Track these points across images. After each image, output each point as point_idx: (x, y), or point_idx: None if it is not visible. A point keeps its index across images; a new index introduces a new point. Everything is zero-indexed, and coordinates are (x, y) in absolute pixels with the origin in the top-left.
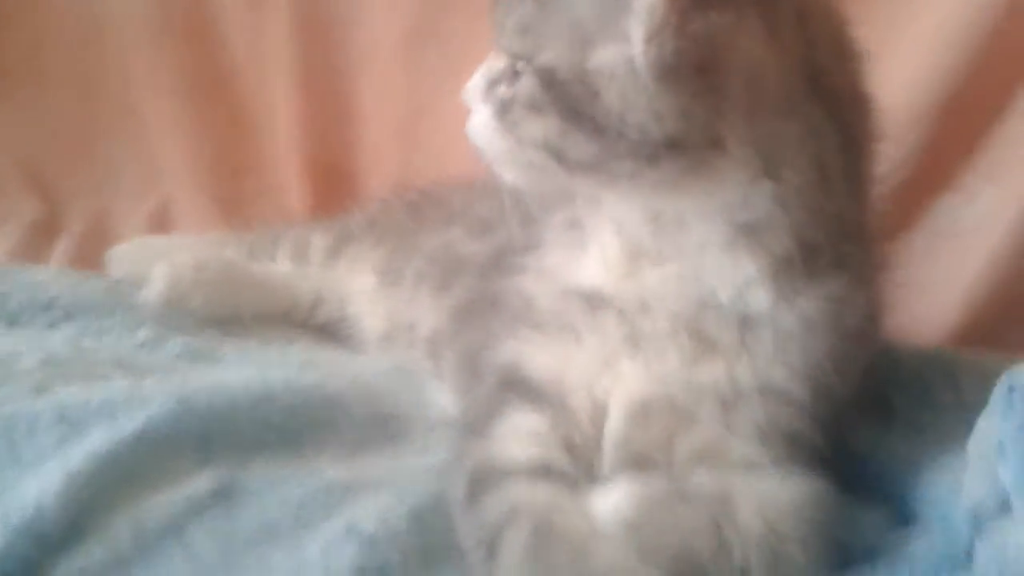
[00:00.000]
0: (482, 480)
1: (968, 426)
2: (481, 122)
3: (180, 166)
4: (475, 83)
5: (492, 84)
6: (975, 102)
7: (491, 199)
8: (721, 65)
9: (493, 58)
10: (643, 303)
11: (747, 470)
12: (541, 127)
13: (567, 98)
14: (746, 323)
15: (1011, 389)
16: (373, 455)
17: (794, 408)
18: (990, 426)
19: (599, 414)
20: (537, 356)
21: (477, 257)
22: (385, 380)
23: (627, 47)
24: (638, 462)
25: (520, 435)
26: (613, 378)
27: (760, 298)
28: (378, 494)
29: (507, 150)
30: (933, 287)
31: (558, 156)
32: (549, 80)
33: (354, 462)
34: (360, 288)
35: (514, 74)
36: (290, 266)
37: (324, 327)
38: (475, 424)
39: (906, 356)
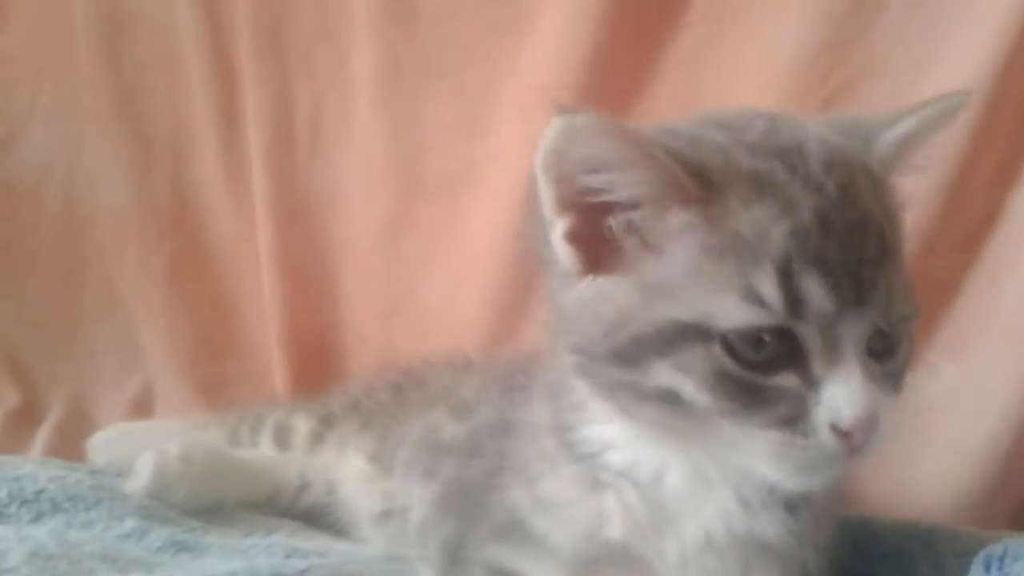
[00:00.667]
0: None
1: None
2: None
3: (161, 350)
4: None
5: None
6: (930, 281)
7: (471, 378)
8: None
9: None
10: (682, 562)
11: None
12: (677, 383)
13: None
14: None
15: (988, 567)
16: None
17: None
18: None
19: None
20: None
21: (458, 441)
22: (373, 567)
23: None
24: None
25: None
26: None
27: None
28: None
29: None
30: (905, 461)
31: (694, 401)
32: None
33: None
34: (352, 471)
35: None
36: (273, 451)
37: (308, 513)
38: None
39: (885, 530)
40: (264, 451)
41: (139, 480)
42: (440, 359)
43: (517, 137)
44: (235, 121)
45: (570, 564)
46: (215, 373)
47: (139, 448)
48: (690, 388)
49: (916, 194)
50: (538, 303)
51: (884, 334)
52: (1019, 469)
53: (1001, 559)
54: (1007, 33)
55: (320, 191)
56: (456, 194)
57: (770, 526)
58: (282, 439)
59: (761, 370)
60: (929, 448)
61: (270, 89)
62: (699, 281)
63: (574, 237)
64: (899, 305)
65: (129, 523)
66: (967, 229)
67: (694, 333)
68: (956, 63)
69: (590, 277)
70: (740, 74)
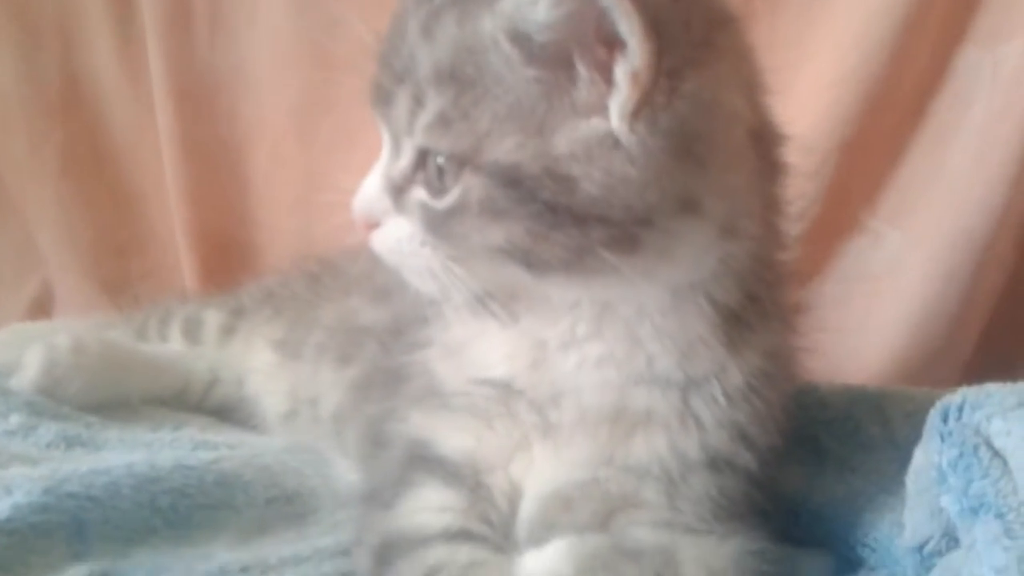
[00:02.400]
0: (393, 548)
1: (901, 461)
2: (400, 237)
3: (58, 247)
4: (373, 192)
5: (399, 190)
6: (872, 145)
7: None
8: (709, 119)
9: (387, 159)
10: (553, 394)
11: (689, 530)
12: (503, 232)
13: (536, 194)
14: (689, 389)
15: (945, 418)
16: (275, 536)
17: (740, 474)
18: (927, 457)
19: (515, 494)
20: (449, 436)
21: (377, 326)
22: (287, 458)
23: (601, 121)
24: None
25: (432, 508)
26: (527, 462)
27: (709, 356)
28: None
29: (441, 265)
30: (849, 331)
31: (526, 259)
32: (512, 178)
33: (253, 544)
34: (258, 365)
35: (435, 175)
36: (182, 345)
37: (221, 409)
38: (381, 497)
39: (832, 395)
40: (173, 345)
41: (27, 374)
42: (359, 246)
43: None
44: (130, 4)
45: (468, 414)
46: (118, 271)
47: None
48: None
49: (859, 48)
50: None
51: (438, 169)
52: (966, 332)
53: (960, 408)
54: None
55: (224, 72)
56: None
57: (649, 394)
58: (192, 333)
59: None
60: (874, 317)
61: None
62: None
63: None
64: (420, 133)
65: (14, 419)
66: (912, 90)
67: None
68: None
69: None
70: None
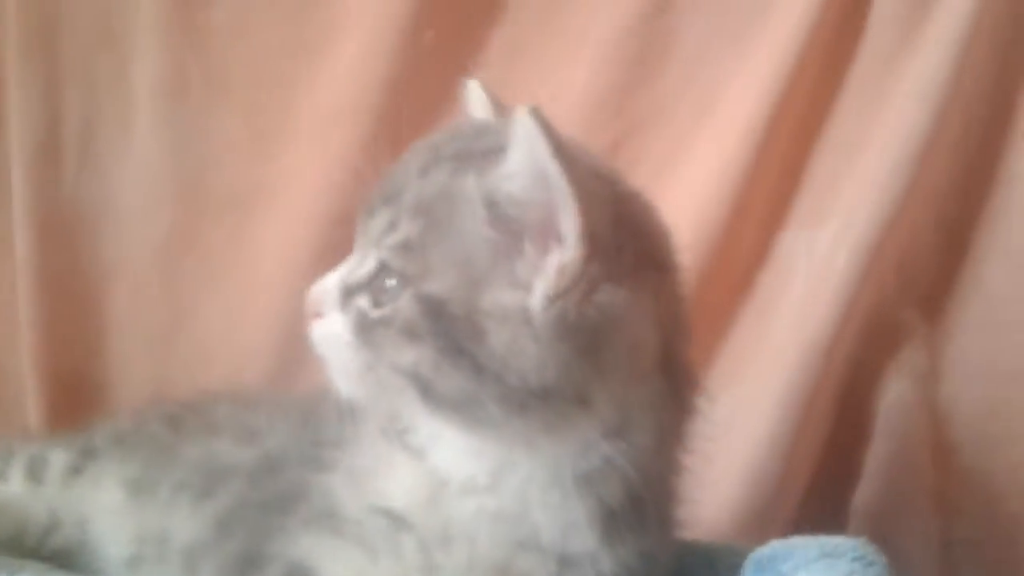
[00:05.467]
0: None
1: None
2: (332, 332)
3: None
4: (328, 286)
5: (350, 292)
6: (705, 317)
7: (259, 409)
8: (612, 333)
9: (353, 262)
10: (444, 535)
11: None
12: (413, 356)
13: (451, 332)
14: (565, 565)
15: (759, 568)
16: None
17: None
18: None
19: None
20: (332, 566)
21: (245, 465)
22: None
23: (525, 296)
24: None
25: None
26: None
27: (584, 541)
28: None
29: (359, 368)
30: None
31: (424, 387)
32: (435, 310)
33: None
34: (106, 504)
35: (383, 289)
36: (23, 485)
37: (60, 554)
38: None
39: None
40: (12, 486)
41: None
42: (222, 390)
43: (310, 159)
44: None
45: (358, 542)
46: None
47: None
48: None
49: (692, 231)
50: None
51: (385, 286)
52: (789, 488)
53: (771, 559)
54: (778, 80)
55: (89, 205)
56: (244, 215)
57: (531, 559)
58: (34, 473)
59: None
60: (707, 475)
61: (37, 92)
62: None
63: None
64: (385, 249)
65: None
66: (739, 267)
67: None
68: (732, 110)
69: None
70: None
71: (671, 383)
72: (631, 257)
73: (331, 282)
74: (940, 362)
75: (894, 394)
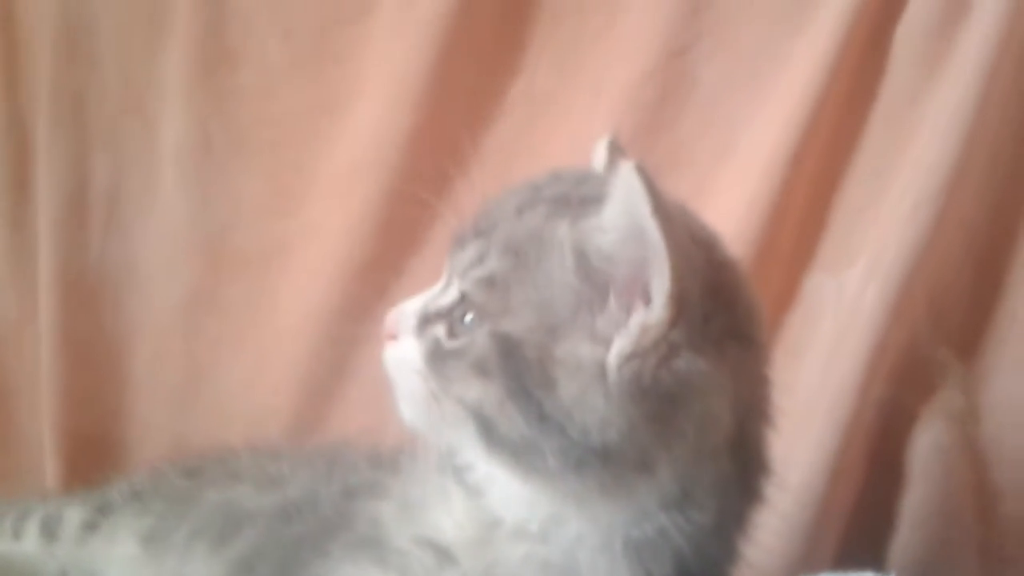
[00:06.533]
0: None
1: None
2: (405, 357)
3: None
4: (408, 311)
5: (429, 319)
6: None
7: (281, 458)
8: (685, 403)
9: (437, 291)
10: (488, 575)
11: None
12: (480, 392)
13: (521, 374)
14: None
15: None
16: None
17: None
18: None
19: None
20: None
21: (267, 510)
22: None
23: (602, 351)
24: None
25: None
26: None
27: None
28: None
29: (424, 396)
30: None
31: (485, 426)
32: (509, 350)
33: None
34: (119, 558)
35: (461, 321)
36: (37, 543)
37: None
38: None
39: None
40: (26, 544)
41: None
42: (242, 443)
43: (330, 215)
44: (25, 191)
45: (400, 573)
46: None
47: None
48: None
49: None
50: (351, 386)
51: (463, 319)
52: (824, 538)
53: None
54: (799, 119)
55: (114, 267)
56: (264, 272)
57: None
58: (49, 530)
59: None
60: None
61: (66, 159)
62: None
63: None
64: (470, 281)
65: None
66: (767, 310)
67: None
68: (754, 151)
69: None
70: (554, 159)
71: (741, 465)
72: (716, 328)
73: (411, 307)
74: (979, 402)
75: (930, 437)
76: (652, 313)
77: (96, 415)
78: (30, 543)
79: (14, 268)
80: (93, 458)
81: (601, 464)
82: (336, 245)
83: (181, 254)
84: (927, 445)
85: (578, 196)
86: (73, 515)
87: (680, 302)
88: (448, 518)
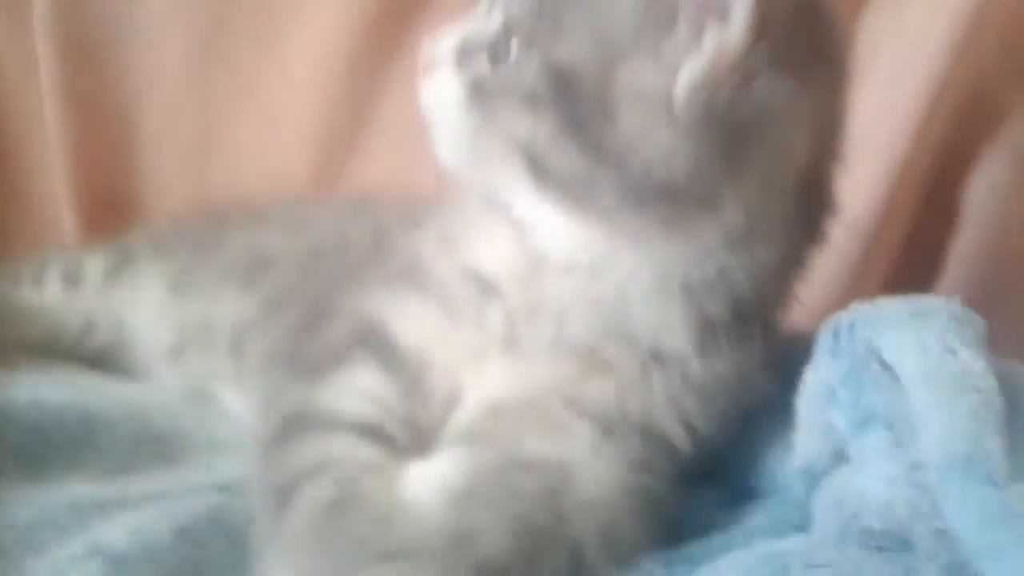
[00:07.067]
0: (300, 422)
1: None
2: (444, 91)
3: None
4: (447, 43)
5: (469, 51)
6: None
7: (307, 207)
8: (763, 132)
9: (477, 20)
10: (532, 309)
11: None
12: (530, 126)
13: (577, 106)
14: (656, 358)
15: (836, 334)
16: (140, 474)
17: (668, 450)
18: (817, 376)
19: (452, 401)
20: (409, 322)
21: (294, 254)
22: (161, 399)
23: (669, 78)
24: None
25: (360, 392)
26: (478, 371)
27: (677, 342)
28: (139, 511)
29: (467, 132)
30: None
31: (536, 163)
32: (563, 80)
33: (114, 481)
34: (147, 300)
35: (507, 51)
36: (60, 291)
37: (96, 357)
38: (309, 367)
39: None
40: (48, 292)
41: None
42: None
43: None
44: None
45: (441, 302)
46: None
47: None
48: None
49: None
50: (373, 139)
51: (508, 47)
52: (867, 276)
53: (851, 325)
54: None
55: (114, 18)
56: (272, 23)
57: (619, 347)
58: (72, 277)
59: None
60: None
61: None
62: None
63: None
64: (515, 6)
65: None
66: None
67: None
68: None
69: None
70: None
71: (809, 203)
72: (801, 49)
73: (450, 38)
74: None
75: (989, 177)
76: (731, 31)
77: (109, 173)
78: (53, 292)
79: (10, 31)
80: (110, 216)
81: (663, 200)
82: None
83: (184, 5)
84: (985, 185)
85: None
86: (96, 263)
87: (765, 16)
88: (492, 251)
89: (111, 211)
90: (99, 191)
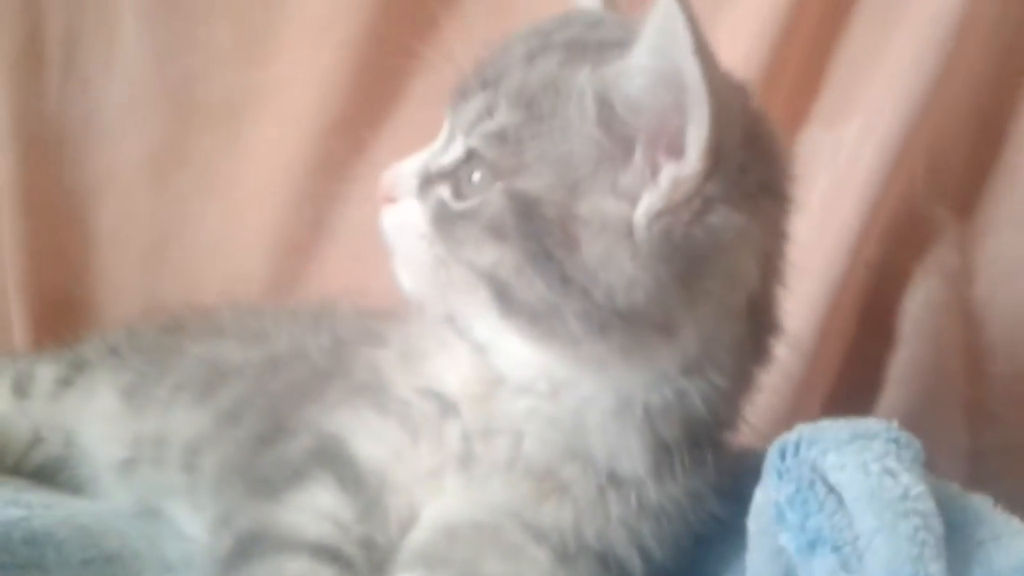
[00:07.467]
0: (256, 542)
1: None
2: (406, 222)
3: None
4: (406, 171)
5: (431, 179)
6: None
7: (264, 316)
8: (716, 260)
9: (437, 148)
10: (489, 428)
11: None
12: (495, 256)
13: (541, 236)
14: (613, 481)
15: (783, 455)
16: None
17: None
18: (766, 497)
19: (409, 521)
20: (369, 440)
21: (253, 363)
22: (110, 518)
23: (628, 208)
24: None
25: (318, 511)
26: (435, 491)
27: (634, 467)
28: None
29: (429, 262)
30: None
31: (501, 291)
32: (526, 210)
33: None
34: (98, 412)
35: (469, 180)
36: (9, 401)
37: (42, 471)
38: (268, 485)
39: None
40: None
41: None
42: (222, 302)
43: (303, 63)
44: None
45: (401, 421)
46: None
47: None
48: None
49: None
50: (329, 246)
51: (470, 177)
52: (810, 394)
53: (796, 445)
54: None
55: (74, 118)
56: (233, 126)
57: (575, 469)
58: (22, 387)
59: None
60: None
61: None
62: None
63: None
64: (477, 137)
65: None
66: None
67: None
68: (748, 6)
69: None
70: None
71: (756, 325)
72: (753, 181)
73: (410, 167)
74: (972, 261)
75: (922, 296)
76: (686, 165)
77: (63, 273)
78: (2, 403)
79: None
80: (63, 317)
81: (624, 327)
82: (310, 96)
83: (146, 106)
84: (919, 304)
85: (595, 40)
86: (46, 371)
87: (717, 152)
88: (452, 370)
89: (64, 311)
90: (52, 291)
